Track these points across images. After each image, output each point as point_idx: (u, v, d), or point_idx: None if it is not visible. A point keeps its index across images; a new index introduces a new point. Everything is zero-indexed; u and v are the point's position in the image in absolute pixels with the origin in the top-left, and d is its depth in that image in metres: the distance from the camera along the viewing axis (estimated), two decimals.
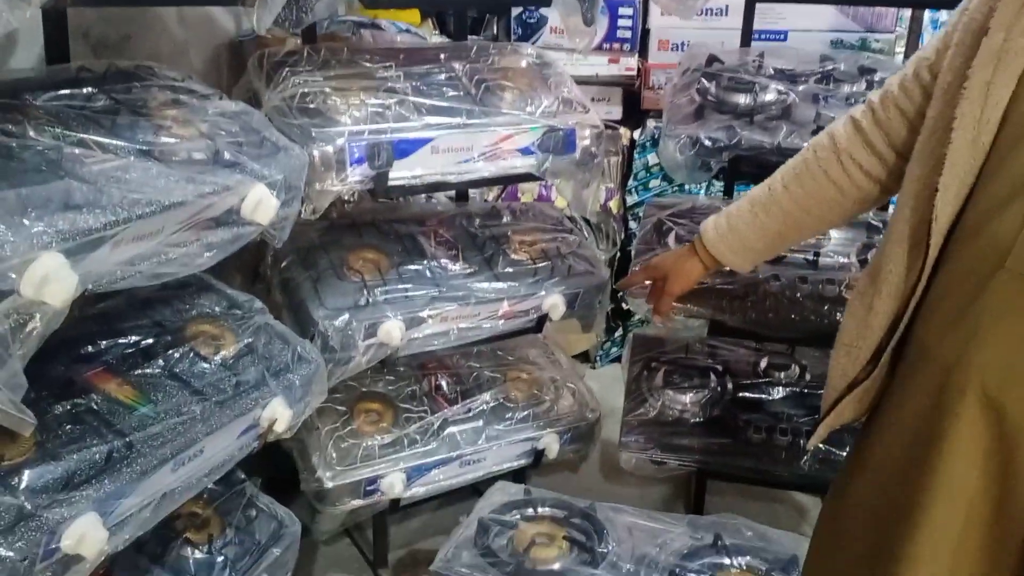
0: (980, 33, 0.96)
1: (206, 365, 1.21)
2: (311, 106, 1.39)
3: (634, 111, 2.78)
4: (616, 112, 2.80)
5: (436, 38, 2.52)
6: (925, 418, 1.00)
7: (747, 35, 1.73)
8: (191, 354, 1.21)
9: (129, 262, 0.92)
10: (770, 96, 1.61)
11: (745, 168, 1.59)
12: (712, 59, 1.70)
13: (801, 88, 1.60)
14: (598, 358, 2.95)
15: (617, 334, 2.88)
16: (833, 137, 1.21)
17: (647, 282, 1.53)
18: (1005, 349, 0.94)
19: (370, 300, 1.49)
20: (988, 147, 0.94)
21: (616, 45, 2.64)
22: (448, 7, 2.10)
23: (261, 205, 1.08)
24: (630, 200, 2.76)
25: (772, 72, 1.64)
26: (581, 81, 2.70)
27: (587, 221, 2.82)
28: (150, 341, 1.21)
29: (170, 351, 1.20)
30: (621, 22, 2.61)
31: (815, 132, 1.54)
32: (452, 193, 1.96)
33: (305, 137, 1.31)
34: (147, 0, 0.90)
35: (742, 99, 1.60)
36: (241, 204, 1.06)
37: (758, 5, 1.77)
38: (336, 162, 1.34)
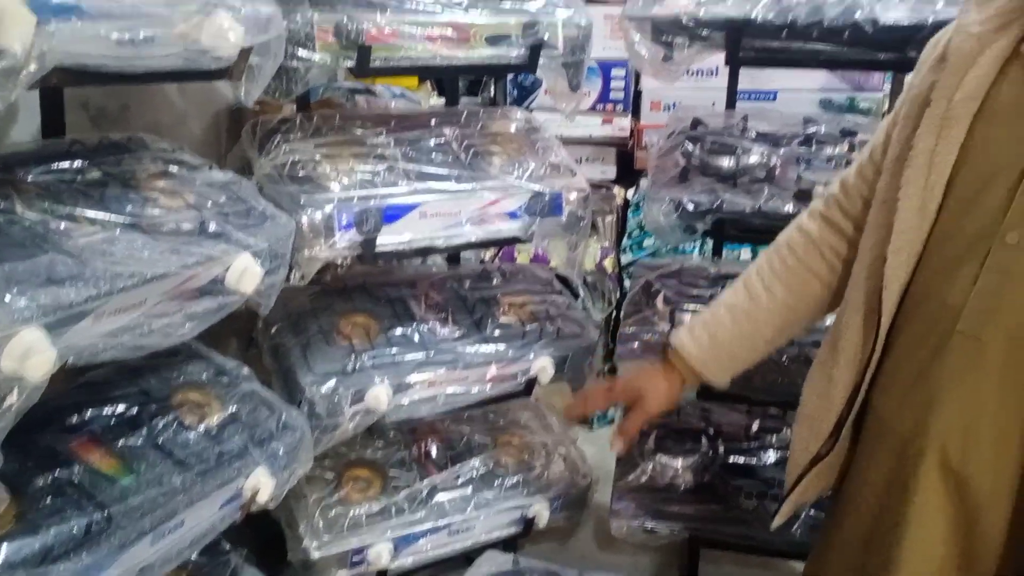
0: (924, 104, 0.98)
1: (190, 434, 1.20)
2: (301, 173, 1.41)
3: (628, 170, 2.82)
4: (610, 172, 2.84)
5: (435, 99, 2.58)
6: (888, 491, 1.01)
7: (732, 98, 1.77)
8: (175, 423, 1.20)
9: (111, 334, 0.92)
10: (753, 159, 1.63)
11: (729, 231, 1.60)
12: (696, 122, 1.73)
13: (784, 151, 1.63)
14: (594, 420, 2.93)
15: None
16: (805, 232, 1.20)
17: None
18: (962, 415, 0.94)
19: (358, 366, 1.48)
20: (935, 214, 0.96)
21: (609, 106, 2.69)
22: (436, 76, 2.15)
23: (245, 274, 1.08)
24: (624, 259, 2.78)
25: (755, 135, 1.66)
26: (575, 141, 2.76)
27: (583, 280, 2.85)
28: (135, 410, 1.21)
29: (154, 420, 1.20)
30: (614, 84, 2.67)
31: (797, 195, 1.56)
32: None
33: (294, 204, 1.33)
34: (137, 79, 0.92)
35: (726, 162, 1.63)
36: (225, 274, 1.07)
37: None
38: (324, 228, 1.35)
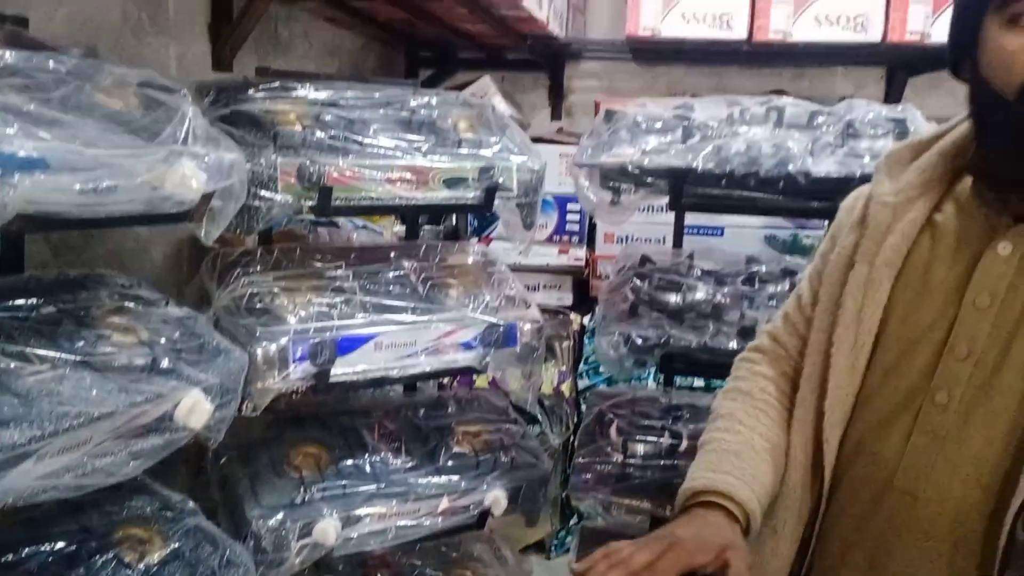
0: (848, 266, 1.05)
1: (130, 572, 1.18)
2: (259, 306, 1.43)
3: (584, 298, 2.90)
4: (567, 298, 2.91)
5: (398, 227, 2.65)
6: None
7: (678, 238, 1.85)
8: (115, 561, 1.17)
9: (52, 475, 0.92)
10: (699, 295, 1.70)
11: (677, 365, 1.65)
12: (645, 259, 1.80)
13: (728, 289, 1.70)
14: (553, 547, 2.89)
15: (572, 522, 2.84)
16: (760, 374, 1.19)
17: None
18: (899, 570, 0.96)
19: (307, 498, 1.47)
20: (864, 370, 1.01)
21: (565, 237, 2.79)
22: (395, 214, 2.22)
23: (195, 411, 1.09)
24: (581, 384, 2.81)
25: (701, 273, 1.74)
26: (534, 269, 2.85)
27: (541, 405, 2.87)
28: (74, 548, 1.18)
29: (93, 558, 1.16)
30: (570, 216, 2.78)
31: (740, 331, 1.62)
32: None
33: (250, 336, 1.35)
34: (99, 224, 0.95)
35: (673, 298, 1.69)
36: (174, 410, 1.07)
37: None
38: (279, 360, 1.37)
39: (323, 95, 1.48)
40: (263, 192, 1.31)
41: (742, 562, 0.93)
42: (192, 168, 1.02)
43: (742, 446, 1.08)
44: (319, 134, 1.39)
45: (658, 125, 1.72)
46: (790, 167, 1.56)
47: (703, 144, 1.65)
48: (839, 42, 2.48)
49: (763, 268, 1.76)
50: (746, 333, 1.63)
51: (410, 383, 1.99)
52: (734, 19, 2.51)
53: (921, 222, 1.01)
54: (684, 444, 1.84)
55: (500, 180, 1.59)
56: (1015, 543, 0.87)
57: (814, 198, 1.58)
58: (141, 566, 1.19)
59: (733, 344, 1.62)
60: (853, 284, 1.03)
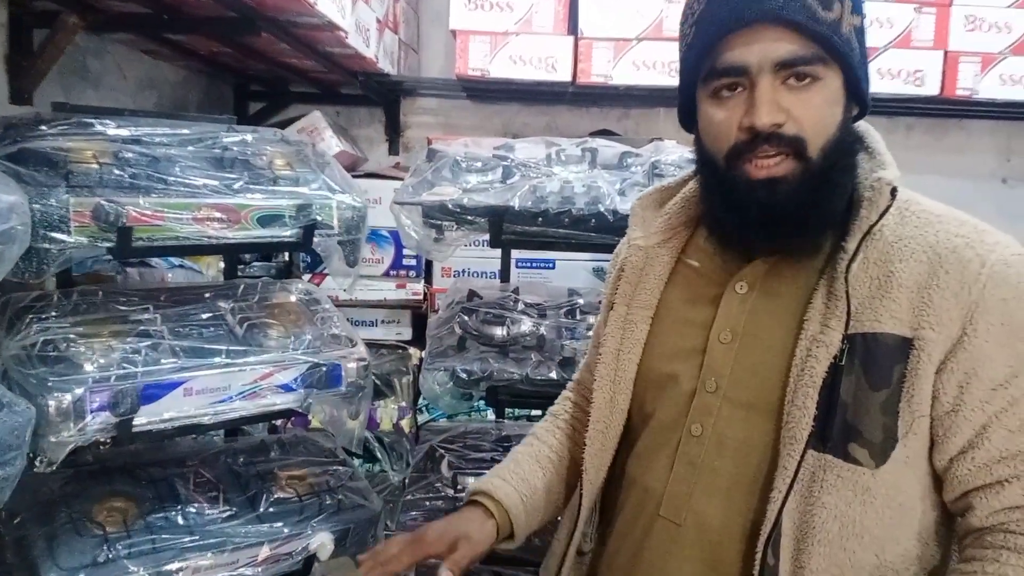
0: (608, 309, 1.13)
1: None
2: (53, 353, 1.35)
3: (423, 332, 2.88)
4: (406, 333, 2.91)
5: (222, 265, 2.56)
6: None
7: (505, 273, 1.90)
8: None
9: None
10: (524, 328, 1.74)
11: (502, 397, 1.68)
12: (472, 294, 1.83)
13: (550, 321, 1.75)
14: None
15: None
16: (567, 398, 1.34)
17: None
18: None
19: (111, 555, 1.38)
20: (627, 405, 1.08)
21: (403, 272, 2.79)
22: (205, 254, 2.15)
23: None
24: (421, 418, 2.80)
25: (524, 306, 1.78)
26: (371, 305, 2.82)
27: (379, 442, 2.83)
28: None
29: None
30: (407, 251, 2.78)
31: (561, 362, 1.68)
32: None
33: (41, 387, 1.26)
34: None
35: (498, 331, 1.73)
36: None
37: None
38: (74, 412, 1.28)
39: (124, 132, 1.42)
40: (53, 234, 1.24)
41: (467, 550, 1.09)
42: None
43: (524, 455, 1.23)
44: (118, 172, 1.33)
45: (479, 164, 1.77)
46: (600, 206, 1.64)
47: (521, 183, 1.71)
48: (658, 85, 2.64)
49: (583, 300, 1.84)
50: (566, 363, 1.69)
51: (231, 429, 1.92)
52: (559, 62, 2.62)
53: (671, 265, 1.10)
54: None
55: (319, 218, 1.57)
56: (767, 567, 0.94)
57: (623, 234, 1.66)
58: None
59: (554, 374, 1.67)
60: (612, 324, 1.11)
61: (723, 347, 1.01)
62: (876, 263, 0.93)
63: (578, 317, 1.81)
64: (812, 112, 0.92)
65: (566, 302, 1.83)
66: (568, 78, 2.65)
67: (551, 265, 2.69)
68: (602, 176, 1.72)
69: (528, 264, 2.66)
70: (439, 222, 1.69)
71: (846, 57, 0.92)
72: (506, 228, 1.68)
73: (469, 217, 1.66)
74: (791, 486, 0.92)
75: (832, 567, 0.92)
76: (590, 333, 1.76)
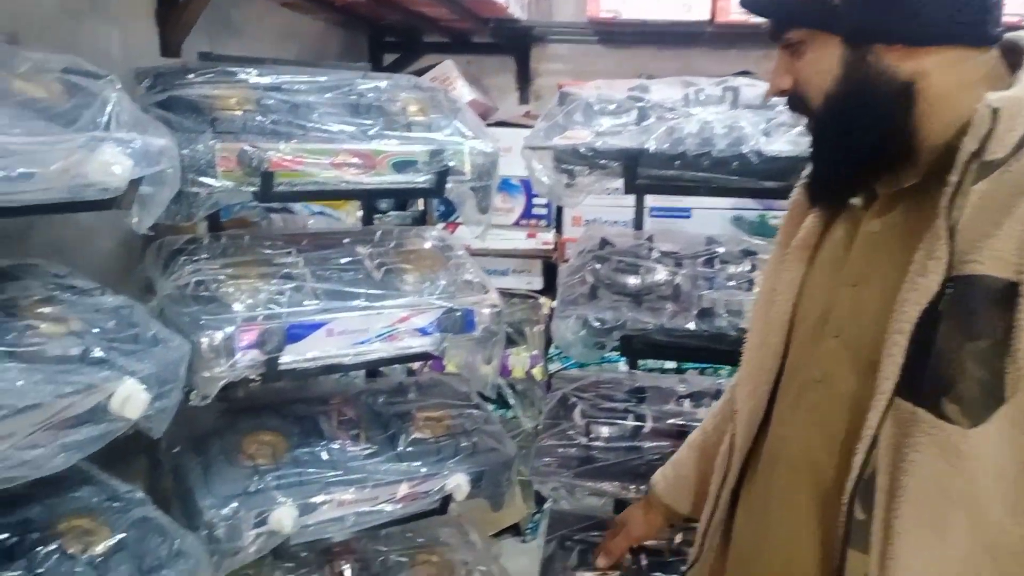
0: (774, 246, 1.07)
1: (74, 564, 1.16)
2: (204, 294, 1.42)
3: (553, 281, 2.88)
4: (537, 282, 2.90)
5: (360, 213, 2.63)
6: None
7: (639, 220, 1.84)
8: (58, 553, 1.16)
9: None
10: (658, 277, 1.69)
11: (636, 347, 1.64)
12: (604, 242, 1.79)
13: (687, 270, 1.69)
14: (529, 531, 2.89)
15: (547, 505, 2.84)
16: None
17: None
18: (785, 547, 0.98)
19: (261, 486, 1.46)
20: (779, 349, 1.02)
21: (533, 221, 2.77)
22: (343, 199, 2.20)
23: (130, 400, 1.07)
24: (552, 367, 2.80)
25: (660, 254, 1.73)
26: (502, 254, 2.83)
27: (512, 388, 2.86)
28: (16, 539, 1.17)
29: (36, 549, 1.15)
30: (537, 200, 2.76)
31: (700, 313, 1.62)
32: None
33: (194, 325, 1.33)
34: (14, 212, 0.93)
35: (631, 280, 1.68)
36: (108, 401, 1.06)
37: None
38: (224, 349, 1.35)
39: (266, 79, 1.45)
40: (201, 178, 1.29)
41: (632, 528, 1.48)
42: (115, 154, 1.00)
43: (695, 440, 1.39)
44: (260, 118, 1.37)
45: (612, 107, 1.71)
46: (743, 147, 1.55)
47: (657, 125, 1.64)
48: None
49: (723, 249, 1.76)
50: (705, 314, 1.63)
51: (371, 370, 1.98)
52: (695, 1, 2.49)
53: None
54: (648, 426, 1.84)
55: (452, 163, 1.57)
56: (855, 522, 0.88)
57: (768, 178, 1.57)
58: (85, 557, 1.17)
59: (692, 325, 1.61)
60: (771, 264, 1.06)
61: (849, 291, 0.96)
62: (997, 197, 0.82)
63: (717, 266, 1.73)
64: (802, 73, 0.95)
65: (704, 250, 1.76)
66: (706, 17, 2.52)
67: (687, 214, 2.60)
68: (745, 116, 1.62)
69: (662, 212, 2.57)
70: (571, 167, 1.65)
71: (807, 16, 0.92)
72: (641, 172, 1.62)
73: (602, 161, 1.61)
74: (874, 439, 0.87)
75: (922, 529, 0.85)
76: (730, 284, 1.69)
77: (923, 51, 0.88)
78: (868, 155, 0.93)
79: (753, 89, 1.76)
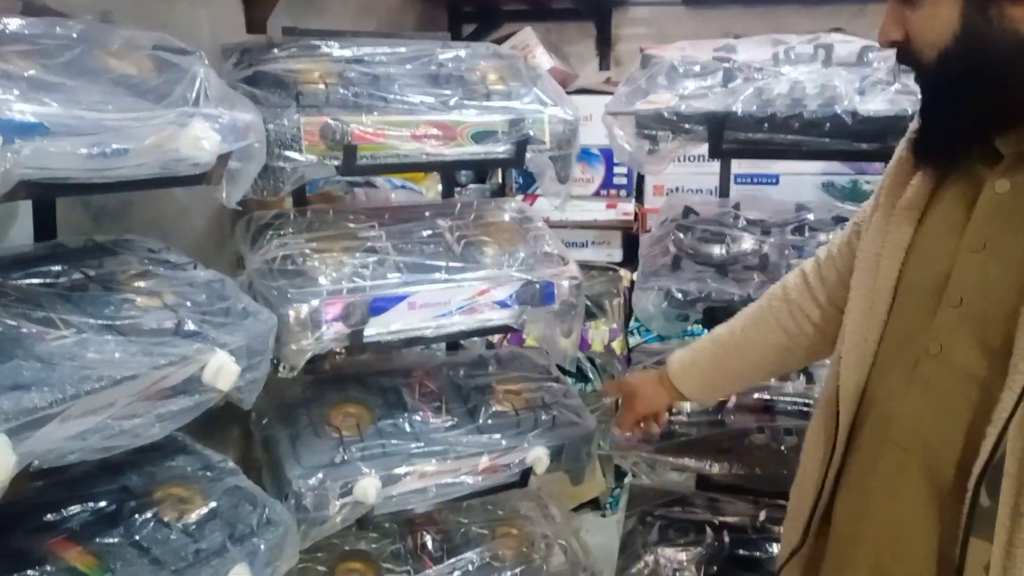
0: (874, 209, 1.00)
1: (169, 531, 1.20)
2: (291, 267, 1.44)
3: (634, 253, 2.82)
4: (616, 254, 2.86)
5: (440, 188, 2.63)
6: None
7: (724, 187, 1.78)
8: (155, 519, 1.20)
9: (78, 437, 0.93)
10: (745, 246, 1.63)
11: (720, 319, 1.58)
12: (688, 211, 1.74)
13: (775, 239, 1.62)
14: (608, 505, 2.88)
15: (627, 479, 2.82)
16: (785, 287, 1.28)
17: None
18: (891, 524, 0.93)
19: (346, 457, 1.48)
20: (884, 316, 0.96)
21: (613, 191, 2.72)
22: (423, 171, 2.20)
23: (222, 372, 1.10)
24: (632, 341, 2.77)
25: (746, 223, 1.67)
26: (581, 226, 2.80)
27: (591, 362, 2.84)
28: (115, 507, 1.21)
29: (134, 516, 1.20)
30: (617, 169, 2.71)
31: None
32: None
33: (282, 298, 1.36)
34: (110, 188, 0.96)
35: (716, 250, 1.63)
36: (201, 372, 1.08)
37: None
38: (311, 322, 1.37)
39: (347, 52, 1.45)
40: (287, 152, 1.31)
41: (639, 403, 1.47)
42: (204, 129, 1.01)
43: (719, 334, 1.37)
44: (342, 91, 1.37)
45: (697, 69, 1.65)
46: (836, 107, 1.47)
47: (744, 86, 1.57)
48: None
49: (813, 216, 1.69)
50: None
51: (452, 342, 1.99)
52: None
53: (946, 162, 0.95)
54: (732, 400, 1.79)
55: (531, 132, 1.54)
56: (979, 508, 0.83)
57: (863, 139, 1.48)
58: (180, 524, 1.21)
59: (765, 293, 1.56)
60: (874, 226, 0.99)
61: (973, 257, 0.89)
62: None
63: (807, 235, 1.66)
64: (915, 26, 0.89)
65: (793, 218, 1.69)
66: None
67: (774, 180, 2.51)
68: (839, 74, 1.54)
69: (748, 179, 2.49)
70: (654, 132, 1.60)
71: None
72: (727, 136, 1.56)
73: (686, 125, 1.56)
74: (1008, 421, 0.81)
75: None
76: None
77: None
78: (986, 116, 0.87)
79: (847, 46, 1.67)
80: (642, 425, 1.54)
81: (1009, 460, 0.81)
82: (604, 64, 3.21)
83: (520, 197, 2.72)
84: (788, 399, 1.70)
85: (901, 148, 1.02)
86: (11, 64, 0.85)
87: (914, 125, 0.99)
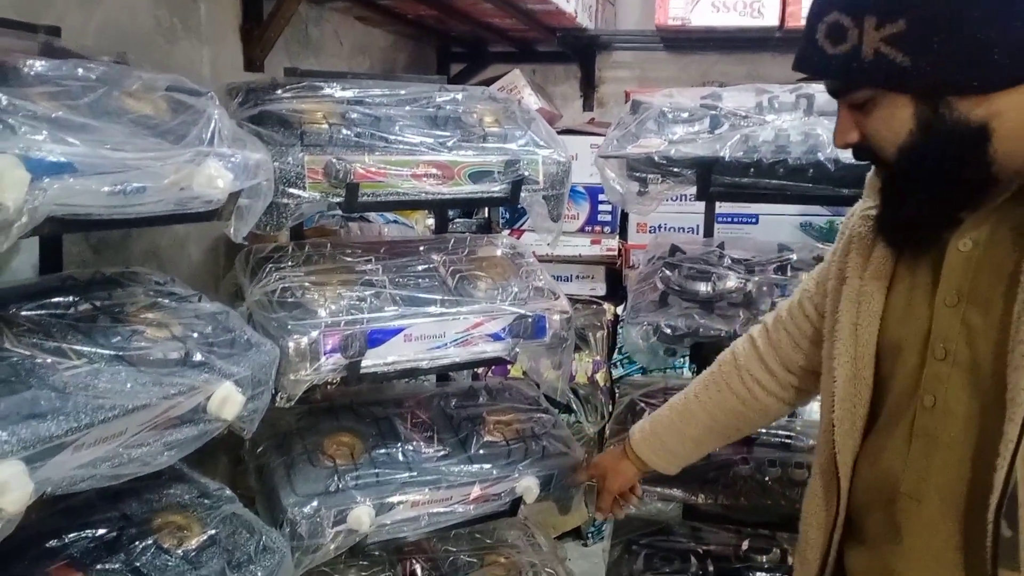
0: (840, 282, 1.06)
1: (168, 558, 1.22)
2: (290, 300, 1.47)
3: (617, 287, 2.89)
4: (600, 288, 2.91)
5: (430, 221, 2.68)
6: None
7: (709, 228, 1.84)
8: (154, 547, 1.22)
9: (89, 464, 0.96)
10: (730, 284, 1.69)
11: (707, 354, 1.64)
12: (675, 249, 1.80)
13: (759, 277, 1.68)
14: (590, 534, 2.90)
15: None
16: (735, 353, 1.35)
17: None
18: (921, 569, 0.96)
19: (340, 486, 1.50)
20: (870, 381, 1.02)
21: (598, 228, 2.79)
22: (422, 209, 2.25)
23: (227, 402, 1.12)
24: (616, 373, 2.81)
25: (731, 261, 1.73)
26: (566, 260, 2.85)
27: (575, 394, 2.88)
28: (115, 534, 1.23)
29: (134, 544, 1.21)
30: (602, 207, 2.77)
31: None
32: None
33: (282, 330, 1.38)
34: (128, 224, 0.99)
35: (702, 287, 1.69)
36: (207, 402, 1.11)
37: None
38: (310, 353, 1.40)
39: (349, 93, 1.50)
40: (291, 189, 1.35)
41: (612, 482, 1.53)
42: (218, 168, 1.05)
43: (676, 402, 1.43)
44: (345, 132, 1.42)
45: (685, 115, 1.72)
46: (819, 155, 1.54)
47: (731, 133, 1.64)
48: None
49: (795, 256, 1.75)
50: None
51: (442, 374, 2.02)
52: (765, 6, 2.48)
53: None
54: None
55: (526, 173, 1.60)
56: (1002, 539, 0.87)
57: (844, 185, 1.56)
58: (180, 551, 1.23)
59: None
60: (847, 298, 1.06)
61: (950, 310, 0.94)
62: None
63: (789, 273, 1.72)
64: (871, 127, 0.96)
65: (776, 257, 1.75)
66: (775, 23, 2.50)
67: (754, 220, 2.59)
68: (821, 123, 1.61)
69: (729, 219, 2.57)
70: (644, 175, 1.66)
71: (875, 78, 0.91)
72: (714, 180, 1.63)
73: (676, 169, 1.62)
74: (1015, 453, 0.85)
75: None
76: None
77: (995, 95, 0.88)
78: (950, 197, 0.94)
79: (827, 96, 1.75)
80: (620, 501, 1.58)
81: (1022, 489, 0.86)
82: (588, 105, 3.30)
83: (506, 232, 2.78)
84: (771, 432, 1.75)
85: (853, 225, 1.09)
86: (38, 105, 0.88)
87: (864, 204, 1.07)
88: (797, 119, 1.65)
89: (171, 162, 0.98)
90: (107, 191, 0.89)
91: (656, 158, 1.63)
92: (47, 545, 1.17)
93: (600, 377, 2.82)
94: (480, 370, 2.56)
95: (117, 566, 1.18)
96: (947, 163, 0.91)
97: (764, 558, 1.91)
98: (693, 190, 1.71)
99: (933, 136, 0.90)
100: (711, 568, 1.89)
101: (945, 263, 0.95)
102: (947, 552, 0.94)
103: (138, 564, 1.19)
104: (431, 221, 2.62)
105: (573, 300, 2.87)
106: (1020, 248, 0.89)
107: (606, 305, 2.88)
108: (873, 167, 1.04)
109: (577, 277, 2.90)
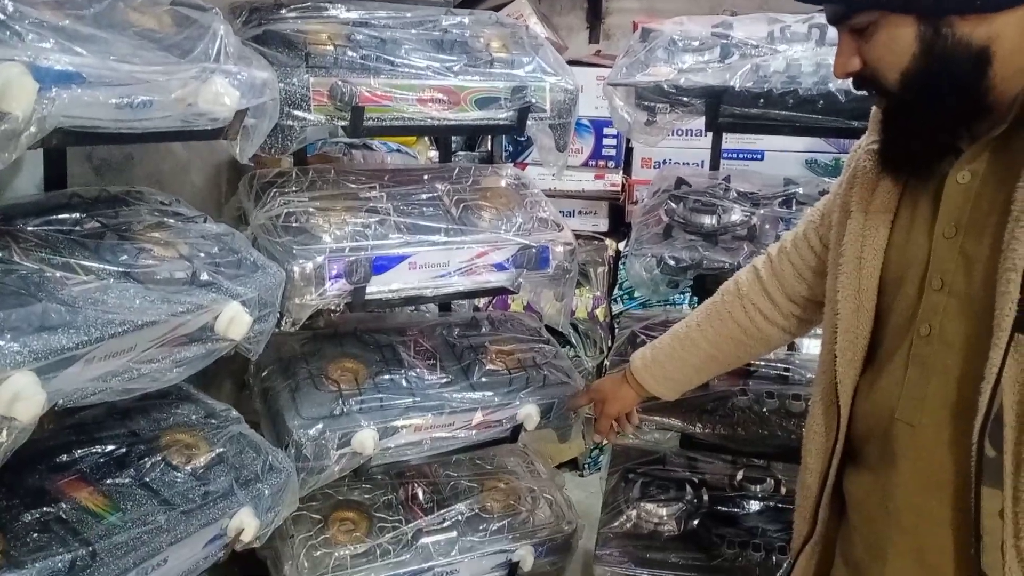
0: (845, 216, 1.07)
1: (177, 474, 1.25)
2: (295, 225, 1.47)
3: (619, 223, 2.89)
4: (602, 224, 2.91)
5: (432, 152, 2.66)
6: (864, 566, 1.07)
7: (715, 160, 1.83)
8: (163, 463, 1.25)
9: (100, 378, 0.97)
10: (734, 217, 1.69)
11: (709, 286, 1.64)
12: (680, 181, 1.79)
13: (764, 211, 1.68)
14: (586, 466, 2.96)
15: (605, 442, 2.90)
16: (737, 283, 1.35)
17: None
18: (914, 491, 1.00)
19: (345, 410, 1.52)
20: (872, 314, 1.03)
21: (601, 162, 2.77)
22: (427, 135, 2.22)
23: (234, 322, 1.13)
24: (616, 308, 2.83)
25: (736, 195, 1.72)
26: (569, 195, 2.84)
27: (575, 328, 2.90)
28: (124, 450, 1.25)
29: (143, 460, 1.24)
30: (606, 141, 2.75)
31: None
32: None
33: (287, 254, 1.39)
34: (135, 139, 0.98)
35: (707, 220, 1.68)
36: (215, 321, 1.12)
37: None
38: (315, 278, 1.40)
39: (355, 15, 1.47)
40: (296, 111, 1.33)
41: (610, 407, 1.54)
42: (225, 85, 1.04)
43: (679, 330, 1.43)
44: (350, 54, 1.40)
45: (695, 44, 1.69)
46: (830, 85, 1.52)
47: (741, 63, 1.62)
48: None
49: (800, 190, 1.74)
50: None
51: (445, 303, 2.03)
52: None
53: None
54: None
55: (533, 100, 1.58)
56: (986, 459, 0.90)
57: (855, 117, 1.54)
58: (188, 468, 1.26)
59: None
60: (851, 232, 1.07)
61: (946, 243, 0.96)
62: None
63: (794, 207, 1.72)
64: (872, 53, 0.94)
65: (782, 191, 1.75)
66: None
67: (759, 156, 2.57)
68: (833, 54, 1.58)
69: (735, 155, 2.55)
70: (652, 104, 1.64)
71: (885, 1, 0.90)
72: (723, 110, 1.61)
73: (685, 99, 1.60)
74: (998, 376, 0.87)
75: None
76: None
77: (995, 15, 0.88)
78: (950, 123, 0.94)
79: None
80: (615, 427, 1.60)
81: (1007, 412, 0.88)
82: (594, 37, 3.24)
83: (510, 165, 2.75)
84: (769, 364, 1.76)
85: (858, 159, 1.09)
86: (44, 15, 0.87)
87: (868, 138, 1.06)
88: (809, 49, 1.62)
89: (178, 77, 0.96)
90: (115, 103, 0.88)
91: (665, 86, 1.61)
92: (58, 459, 1.20)
93: (600, 312, 2.84)
94: (481, 303, 2.57)
95: (127, 481, 1.20)
96: (949, 87, 0.91)
97: (758, 488, 1.95)
98: (700, 123, 1.69)
99: (936, 58, 0.90)
100: (705, 497, 1.94)
101: (944, 195, 0.96)
102: (939, 474, 0.97)
103: (147, 479, 1.22)
104: (434, 153, 2.60)
105: (575, 235, 2.88)
106: (1012, 178, 0.89)
107: (608, 241, 2.87)
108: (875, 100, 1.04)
109: (580, 212, 2.89)
